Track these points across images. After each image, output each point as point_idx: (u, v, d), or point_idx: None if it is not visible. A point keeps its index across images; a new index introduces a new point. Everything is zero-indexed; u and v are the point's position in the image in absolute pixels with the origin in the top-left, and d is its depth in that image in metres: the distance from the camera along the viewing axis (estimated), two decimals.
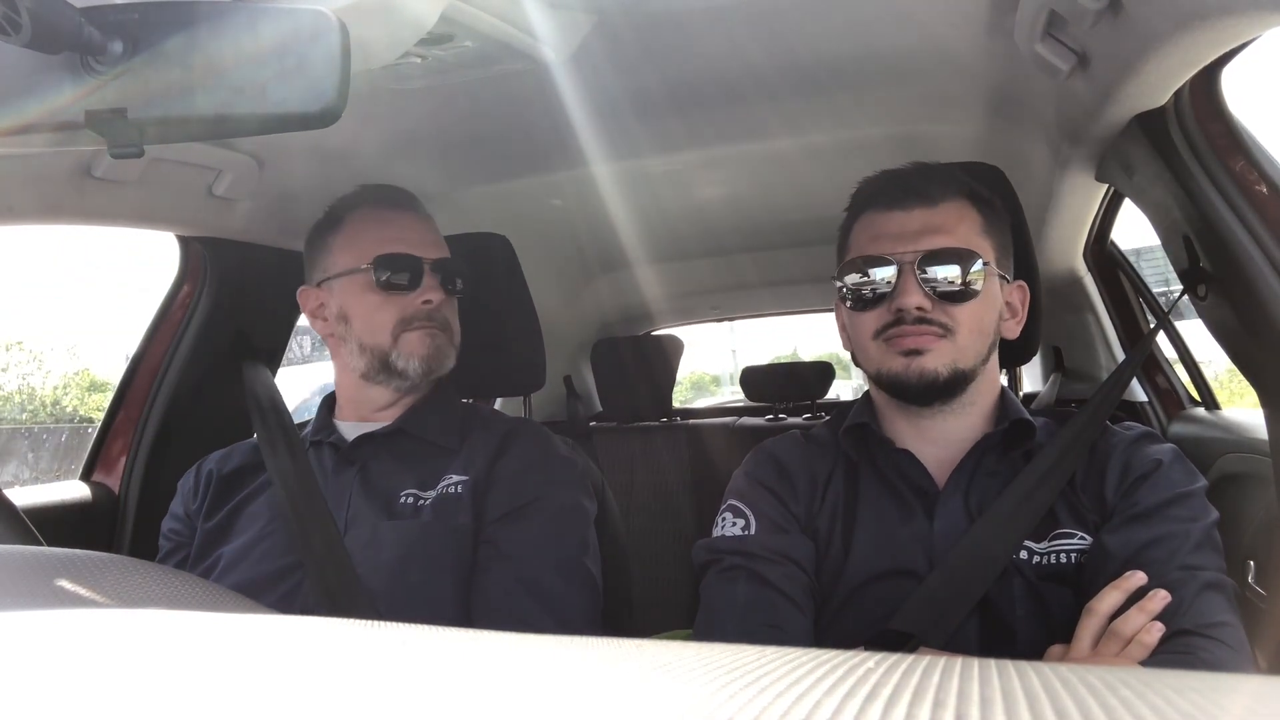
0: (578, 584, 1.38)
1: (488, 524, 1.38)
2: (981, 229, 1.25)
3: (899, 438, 1.28)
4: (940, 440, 1.26)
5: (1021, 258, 1.39)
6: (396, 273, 1.47)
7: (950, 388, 1.21)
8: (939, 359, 1.20)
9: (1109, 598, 1.03)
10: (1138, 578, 1.04)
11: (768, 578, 1.19)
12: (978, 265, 1.20)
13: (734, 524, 1.26)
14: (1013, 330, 1.30)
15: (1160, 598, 1.02)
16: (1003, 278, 1.27)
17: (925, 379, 1.20)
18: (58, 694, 0.34)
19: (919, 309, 1.19)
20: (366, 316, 1.48)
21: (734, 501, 1.29)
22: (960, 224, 1.23)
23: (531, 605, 1.32)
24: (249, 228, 1.82)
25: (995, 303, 1.24)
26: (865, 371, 1.28)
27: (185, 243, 1.89)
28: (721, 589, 1.22)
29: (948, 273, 1.20)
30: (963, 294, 1.20)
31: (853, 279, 1.25)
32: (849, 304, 1.26)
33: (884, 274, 1.22)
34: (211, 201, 1.67)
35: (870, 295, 1.23)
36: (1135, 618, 1.01)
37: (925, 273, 1.20)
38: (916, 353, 1.20)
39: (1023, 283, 1.32)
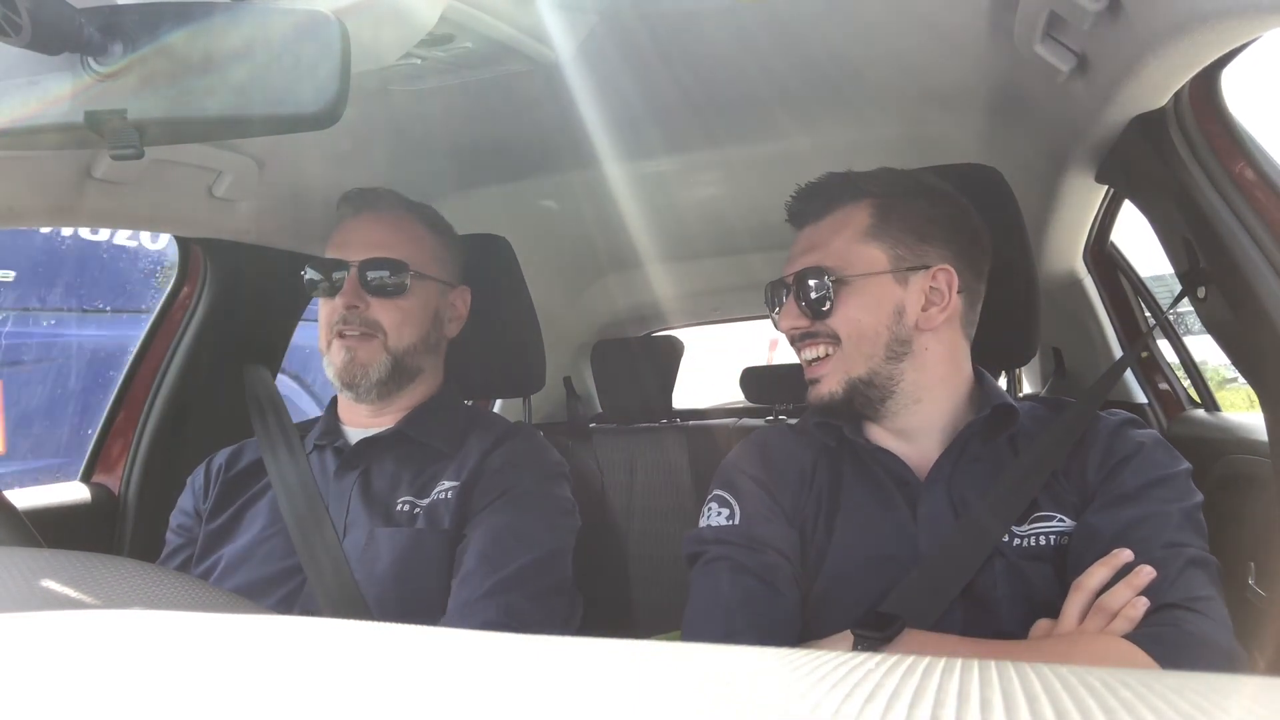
0: (547, 573, 1.37)
1: (471, 520, 1.38)
2: (869, 230, 1.25)
3: (872, 435, 1.30)
4: (908, 435, 1.27)
5: (1019, 258, 1.39)
6: (323, 278, 1.48)
7: (859, 401, 1.25)
8: (830, 382, 1.26)
9: (1097, 574, 1.06)
10: (1124, 555, 1.06)
11: (751, 567, 1.19)
12: (826, 280, 1.25)
13: (719, 514, 1.26)
14: (935, 319, 1.25)
15: (1145, 573, 1.04)
16: (916, 268, 1.24)
17: (823, 403, 1.27)
18: (57, 695, 0.34)
19: (793, 329, 1.29)
20: (320, 327, 1.50)
21: (720, 491, 1.30)
22: (837, 235, 1.27)
23: (493, 593, 1.30)
24: (249, 229, 1.82)
25: (881, 302, 1.24)
26: None
27: (185, 244, 1.89)
28: (706, 581, 1.22)
29: (813, 288, 1.26)
30: (823, 306, 1.26)
31: (766, 296, 1.37)
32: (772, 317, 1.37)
33: (778, 291, 1.33)
34: (212, 202, 1.67)
35: (771, 311, 1.36)
36: (1121, 592, 1.04)
37: (800, 292, 1.27)
38: (814, 381, 1.28)
39: (945, 267, 1.26)
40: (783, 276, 1.32)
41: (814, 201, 1.31)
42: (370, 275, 1.46)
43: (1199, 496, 1.14)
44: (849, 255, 1.25)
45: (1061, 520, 1.15)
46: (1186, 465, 1.16)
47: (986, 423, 1.24)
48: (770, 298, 1.36)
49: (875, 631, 1.07)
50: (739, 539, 1.22)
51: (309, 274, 1.49)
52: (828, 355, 1.26)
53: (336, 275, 1.46)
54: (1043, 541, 1.15)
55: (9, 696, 0.34)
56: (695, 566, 1.26)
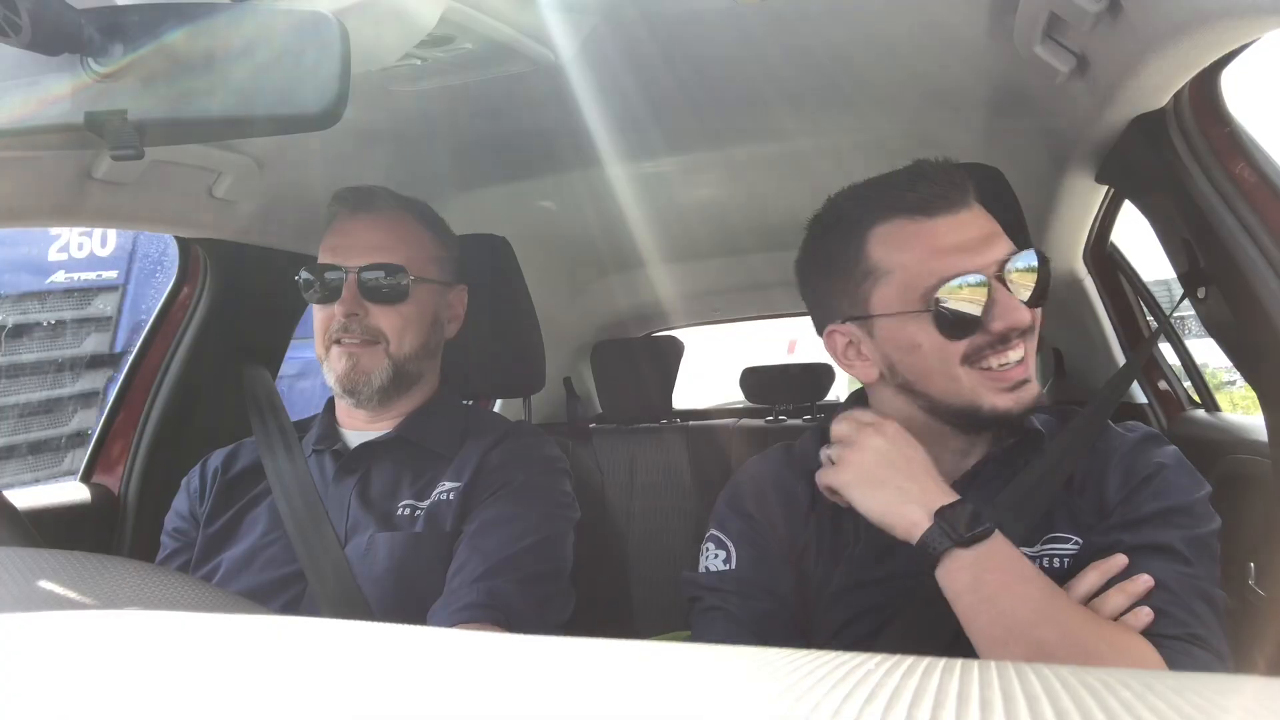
0: (543, 559, 1.36)
1: (470, 516, 1.38)
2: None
3: None
4: (940, 451, 1.21)
5: None
6: (320, 285, 1.45)
7: None
8: (1034, 382, 1.13)
9: (1088, 579, 1.03)
10: (1119, 560, 1.03)
11: (745, 619, 1.17)
12: (1048, 264, 1.14)
13: (716, 555, 1.23)
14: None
15: (1143, 581, 1.00)
16: None
17: (1029, 410, 1.14)
18: (57, 696, 0.34)
19: (1028, 323, 1.11)
20: (316, 331, 1.48)
21: (715, 532, 1.25)
22: (992, 224, 1.16)
23: (484, 578, 1.30)
24: (249, 229, 1.82)
25: None
26: (940, 401, 1.15)
27: (185, 244, 1.90)
28: (702, 629, 1.20)
29: (1033, 274, 1.13)
30: (1043, 295, 1.14)
31: (951, 301, 1.10)
32: (944, 329, 1.11)
33: (975, 289, 1.10)
34: (212, 203, 1.67)
35: (968, 317, 1.10)
36: (1115, 598, 1.00)
37: (1012, 281, 1.11)
38: (1024, 382, 1.13)
39: None
40: (986, 263, 1.11)
41: (960, 190, 1.14)
42: (369, 281, 1.43)
43: (1216, 523, 1.09)
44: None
45: (1076, 544, 1.11)
46: (1207, 489, 1.11)
47: (1012, 448, 1.19)
48: (950, 299, 1.11)
49: (959, 530, 1.01)
50: (734, 587, 1.19)
51: (304, 278, 1.47)
52: (1026, 353, 1.14)
53: (333, 280, 1.44)
54: (1055, 564, 1.10)
55: (9, 697, 0.34)
56: (693, 611, 1.23)
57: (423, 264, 1.49)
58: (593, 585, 1.46)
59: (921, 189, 1.13)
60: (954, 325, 1.11)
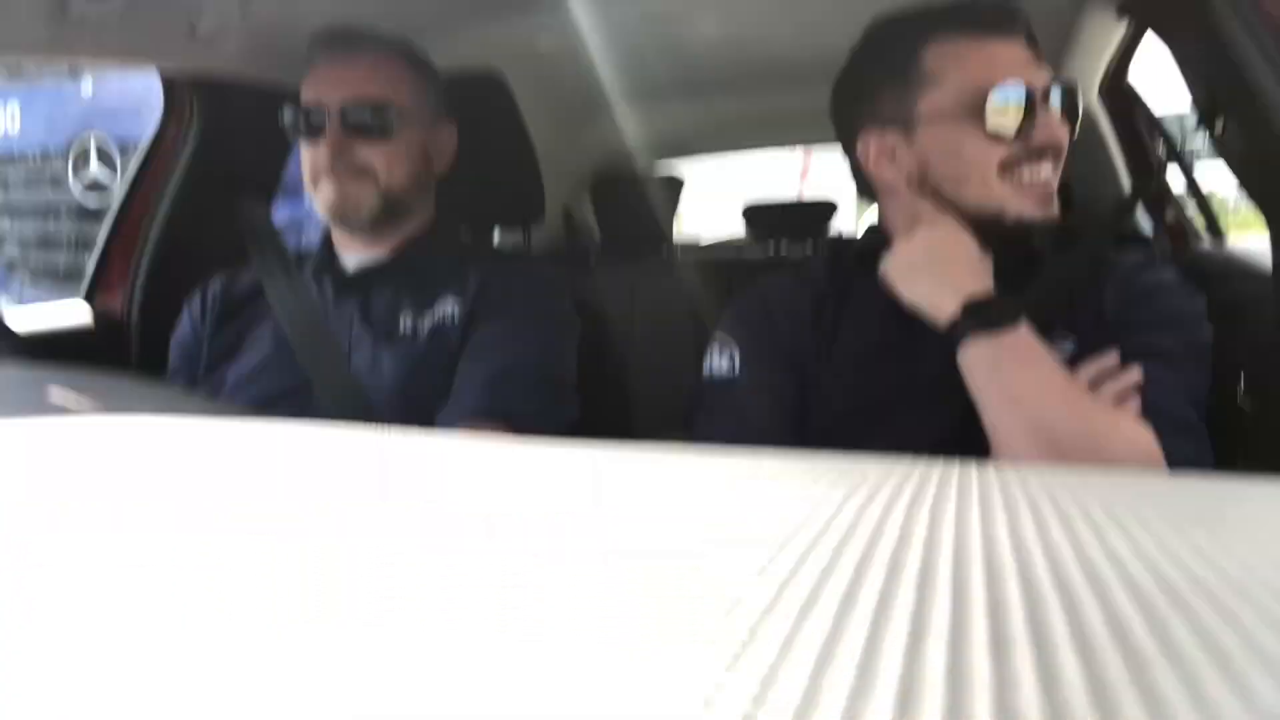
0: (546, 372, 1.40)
1: (473, 333, 1.41)
2: None
3: None
4: None
5: None
6: (305, 122, 1.44)
7: None
8: (1057, 202, 1.20)
9: (1084, 371, 1.08)
10: (1113, 357, 1.08)
11: (746, 418, 1.22)
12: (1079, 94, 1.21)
13: (719, 360, 1.28)
14: None
15: (1135, 374, 1.06)
16: None
17: (1049, 219, 1.22)
18: (62, 498, 0.35)
19: (1061, 140, 1.19)
20: (304, 168, 1.48)
21: (721, 336, 1.30)
22: (1032, 50, 1.22)
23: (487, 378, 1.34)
24: (234, 64, 1.76)
25: None
26: (967, 207, 1.20)
27: (169, 82, 1.85)
28: (702, 427, 1.25)
29: (1072, 99, 1.20)
30: (1075, 121, 1.21)
31: (1000, 106, 1.16)
32: (990, 131, 1.17)
33: (1022, 105, 1.16)
34: (195, 38, 1.61)
35: (1014, 122, 1.16)
36: (1109, 387, 1.06)
37: (1068, 102, 1.20)
38: (1050, 196, 1.22)
39: None
40: (1034, 82, 1.17)
41: (1017, 19, 1.21)
42: (354, 118, 1.42)
43: (1210, 333, 1.15)
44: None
45: (1073, 345, 1.16)
46: (1203, 302, 1.17)
47: (1014, 264, 1.23)
48: (999, 102, 1.17)
49: (988, 316, 1.07)
50: (736, 387, 1.24)
51: (288, 116, 1.46)
52: (1054, 176, 1.23)
53: (316, 120, 1.43)
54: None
55: (12, 500, 0.34)
56: (696, 412, 1.28)
57: (407, 99, 1.48)
58: (594, 408, 1.49)
59: (982, 10, 1.20)
60: (999, 129, 1.17)
